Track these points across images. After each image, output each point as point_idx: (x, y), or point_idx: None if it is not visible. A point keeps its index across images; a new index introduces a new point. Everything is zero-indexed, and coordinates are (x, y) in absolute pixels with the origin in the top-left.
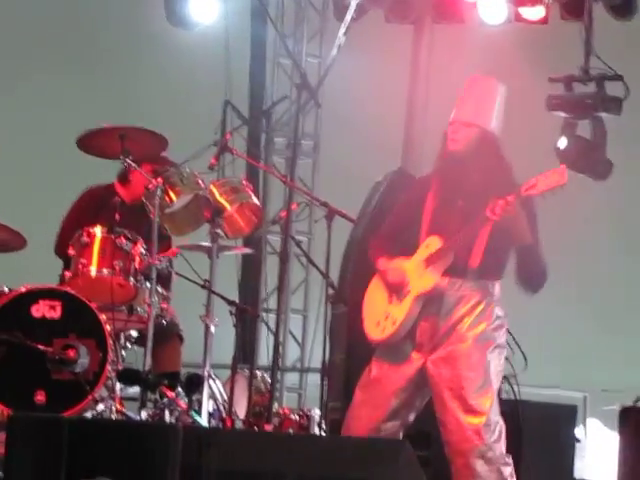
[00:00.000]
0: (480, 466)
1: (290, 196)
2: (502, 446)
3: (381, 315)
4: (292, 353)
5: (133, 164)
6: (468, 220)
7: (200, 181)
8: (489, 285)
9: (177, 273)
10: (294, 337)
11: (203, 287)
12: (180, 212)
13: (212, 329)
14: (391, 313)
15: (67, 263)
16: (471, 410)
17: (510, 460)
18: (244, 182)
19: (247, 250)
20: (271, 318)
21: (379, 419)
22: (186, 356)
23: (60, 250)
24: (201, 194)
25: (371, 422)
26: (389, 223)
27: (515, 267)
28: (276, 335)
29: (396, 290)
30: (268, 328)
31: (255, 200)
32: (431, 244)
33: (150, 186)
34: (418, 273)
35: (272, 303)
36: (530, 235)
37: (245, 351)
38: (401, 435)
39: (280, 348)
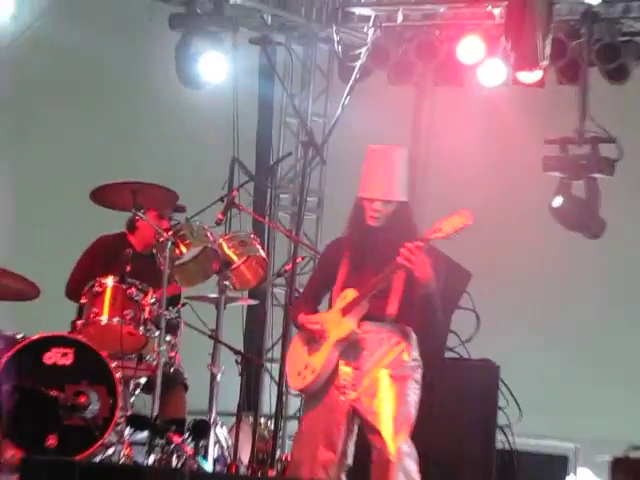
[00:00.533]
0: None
1: (295, 250)
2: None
3: (301, 366)
4: (294, 402)
5: (143, 216)
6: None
7: (209, 234)
8: (407, 329)
9: (185, 323)
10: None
11: (210, 337)
12: (189, 264)
13: (218, 377)
14: (310, 363)
15: (79, 310)
16: (395, 436)
17: None
18: (252, 235)
19: (253, 301)
20: (275, 368)
21: (321, 463)
22: (192, 403)
23: (70, 293)
24: (210, 247)
25: (313, 468)
26: (309, 283)
27: (412, 315)
28: (279, 384)
29: (316, 341)
30: (271, 377)
31: (262, 253)
32: (347, 295)
33: (161, 239)
34: (335, 322)
35: (276, 353)
36: (434, 284)
37: (249, 399)
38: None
39: (283, 397)
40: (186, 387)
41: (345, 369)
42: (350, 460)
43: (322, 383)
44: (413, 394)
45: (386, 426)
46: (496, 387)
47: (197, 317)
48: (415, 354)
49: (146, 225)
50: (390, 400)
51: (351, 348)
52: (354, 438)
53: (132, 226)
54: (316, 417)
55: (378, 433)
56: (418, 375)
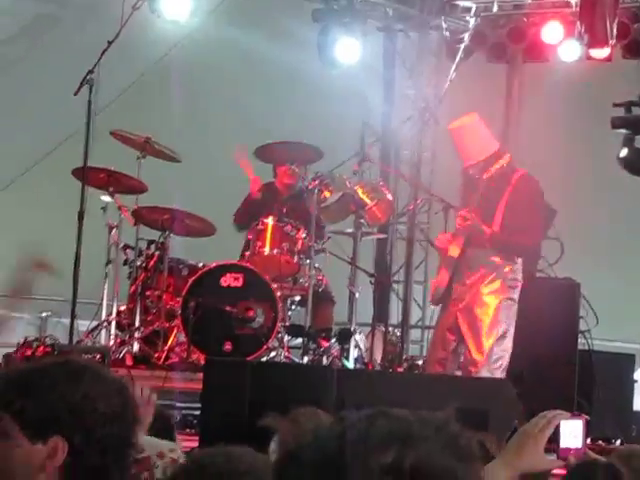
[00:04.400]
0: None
1: (415, 193)
2: (501, 374)
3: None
4: (416, 313)
5: (295, 168)
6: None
7: (347, 182)
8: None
9: (330, 252)
10: (416, 302)
11: (349, 263)
12: (332, 206)
13: (356, 295)
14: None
15: (246, 243)
16: (480, 347)
17: None
18: (381, 183)
19: (382, 235)
20: (399, 287)
21: (444, 351)
22: (337, 316)
23: (236, 220)
24: (348, 192)
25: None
26: None
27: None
28: (405, 300)
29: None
30: (397, 295)
31: (389, 197)
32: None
33: (310, 186)
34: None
35: (400, 276)
36: (490, 239)
37: (381, 312)
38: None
39: (407, 310)
40: (334, 302)
41: (455, 285)
42: (461, 358)
43: (440, 295)
44: (507, 310)
45: (473, 337)
46: (578, 300)
47: (339, 248)
48: (515, 275)
49: (281, 172)
50: (482, 314)
51: (460, 267)
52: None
53: (274, 173)
54: (440, 324)
55: (466, 343)
56: (515, 294)
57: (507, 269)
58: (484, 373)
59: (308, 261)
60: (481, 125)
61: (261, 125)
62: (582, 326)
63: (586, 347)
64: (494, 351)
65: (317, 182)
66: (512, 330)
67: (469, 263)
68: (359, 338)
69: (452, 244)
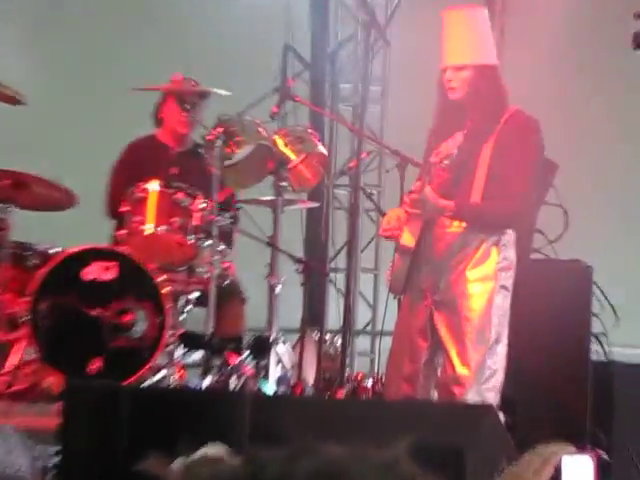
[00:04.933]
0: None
1: (359, 145)
2: (494, 398)
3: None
4: (363, 315)
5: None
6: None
7: (262, 130)
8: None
9: (240, 230)
10: (364, 298)
11: (267, 244)
12: (242, 164)
13: (277, 289)
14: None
15: (120, 220)
16: (465, 357)
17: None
18: (309, 131)
19: (313, 204)
20: (340, 278)
21: (412, 364)
22: (251, 319)
23: (112, 210)
24: (264, 144)
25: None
26: None
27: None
28: (346, 296)
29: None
30: (337, 289)
31: (322, 149)
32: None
33: (209, 136)
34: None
35: (341, 262)
36: (461, 211)
37: (313, 313)
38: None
39: (351, 310)
40: (244, 300)
41: (424, 268)
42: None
43: (399, 284)
44: (501, 303)
45: (456, 343)
46: (589, 291)
47: (252, 223)
48: (508, 254)
49: (171, 111)
50: (469, 310)
51: (428, 247)
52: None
53: (157, 119)
54: (405, 325)
55: (445, 350)
56: (508, 279)
57: (496, 244)
58: (473, 395)
59: (209, 242)
60: (487, 24)
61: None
62: (596, 327)
63: (602, 356)
64: (486, 363)
65: (220, 131)
66: (506, 333)
67: (447, 237)
68: (283, 350)
69: (403, 231)
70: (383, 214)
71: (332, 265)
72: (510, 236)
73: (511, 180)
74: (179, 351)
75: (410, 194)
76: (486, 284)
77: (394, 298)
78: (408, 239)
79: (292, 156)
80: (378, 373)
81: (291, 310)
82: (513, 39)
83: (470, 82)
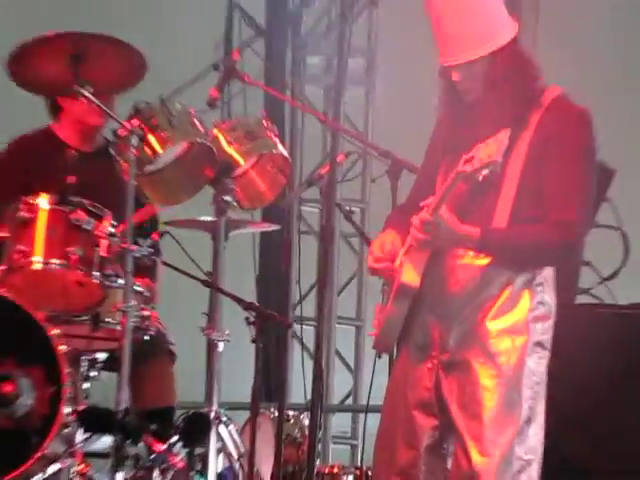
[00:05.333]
0: None
1: (334, 143)
2: None
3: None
4: (341, 384)
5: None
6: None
7: (198, 123)
8: None
9: (165, 263)
10: (343, 359)
11: (205, 284)
12: (168, 170)
13: (220, 347)
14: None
15: None
16: (484, 443)
17: None
18: (264, 123)
19: (270, 226)
20: (308, 331)
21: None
22: (182, 390)
23: None
24: (200, 142)
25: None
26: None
27: None
28: (316, 356)
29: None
30: (304, 346)
31: (282, 150)
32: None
33: (121, 131)
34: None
35: (309, 308)
36: (477, 242)
37: (270, 381)
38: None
39: (324, 376)
40: (172, 362)
41: (428, 317)
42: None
43: (391, 338)
44: (535, 367)
45: (473, 424)
46: None
47: (184, 253)
48: (545, 297)
49: (76, 103)
50: (489, 377)
51: (435, 286)
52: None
53: (55, 109)
54: (396, 397)
55: (458, 434)
56: (546, 333)
57: (528, 285)
58: None
59: (121, 281)
60: None
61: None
62: None
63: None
64: (514, 453)
65: (137, 124)
66: (543, 408)
67: (459, 274)
68: (227, 433)
69: (404, 264)
70: (368, 241)
71: (297, 312)
72: (548, 273)
73: (556, 196)
74: (80, 435)
75: (419, 213)
76: (515, 340)
77: (378, 358)
78: (410, 276)
79: (240, 159)
80: (362, 465)
81: (239, 377)
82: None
83: (486, 74)
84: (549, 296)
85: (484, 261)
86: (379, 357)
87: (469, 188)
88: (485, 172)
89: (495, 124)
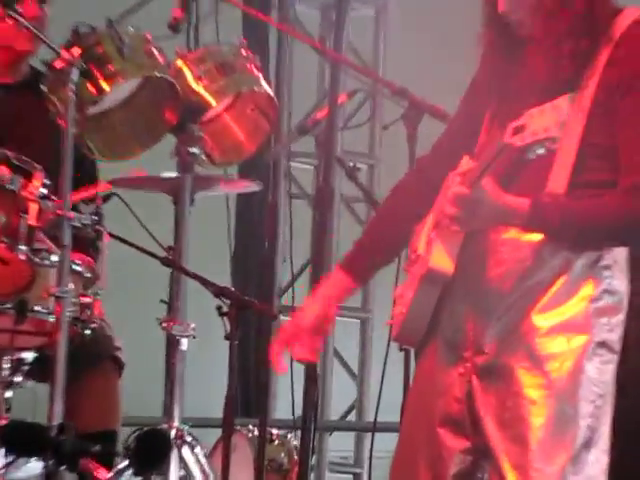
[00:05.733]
0: None
1: (333, 79)
2: None
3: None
4: (342, 393)
5: None
6: None
7: (156, 52)
8: None
9: (112, 235)
10: (344, 362)
11: (164, 262)
12: (118, 113)
13: (183, 345)
14: (404, 291)
15: None
16: (530, 474)
17: None
18: (243, 53)
19: (250, 187)
20: None
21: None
22: (135, 399)
23: None
24: (158, 77)
25: None
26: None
27: None
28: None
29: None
30: None
31: (265, 87)
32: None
33: (56, 63)
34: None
35: (301, 295)
36: (518, 217)
37: (250, 390)
38: None
39: (318, 384)
40: (118, 369)
41: (461, 307)
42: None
43: (417, 328)
44: (597, 375)
45: (512, 445)
46: None
47: (137, 222)
48: (613, 283)
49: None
50: (535, 385)
51: (470, 266)
52: None
53: None
54: (417, 408)
55: (495, 460)
56: (614, 331)
57: (591, 268)
58: None
59: (55, 258)
60: None
61: None
62: None
63: None
64: None
65: (78, 53)
66: (607, 428)
67: (498, 268)
68: (192, 456)
69: (434, 245)
70: (376, 205)
71: (285, 300)
72: (618, 253)
73: (632, 155)
74: (1, 458)
75: (452, 182)
76: (571, 339)
77: (400, 351)
78: (441, 259)
79: (210, 99)
80: None
81: (209, 385)
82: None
83: (538, 2)
84: (619, 283)
85: (535, 237)
86: (401, 350)
87: (516, 160)
88: (540, 151)
89: (552, 71)
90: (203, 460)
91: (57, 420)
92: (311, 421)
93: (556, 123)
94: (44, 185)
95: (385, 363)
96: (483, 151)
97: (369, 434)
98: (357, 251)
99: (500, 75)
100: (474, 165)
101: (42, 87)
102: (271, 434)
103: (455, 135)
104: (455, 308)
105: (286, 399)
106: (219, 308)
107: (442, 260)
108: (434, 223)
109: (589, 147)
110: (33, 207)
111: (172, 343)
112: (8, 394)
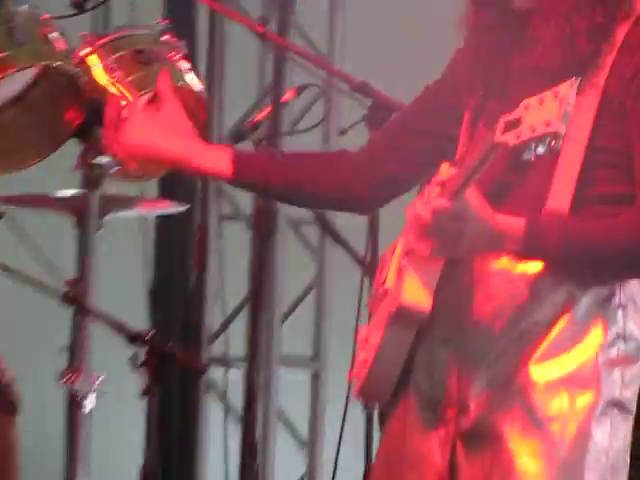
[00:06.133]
0: None
1: (277, 71)
2: None
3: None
4: (289, 464)
5: None
6: None
7: (56, 37)
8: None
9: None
10: (291, 425)
11: (65, 300)
12: (7, 113)
13: (88, 405)
14: (370, 334)
15: None
16: None
17: None
18: (169, 39)
19: (173, 207)
20: (235, 379)
21: None
22: (30, 471)
23: None
24: (58, 67)
25: None
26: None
27: None
28: (247, 421)
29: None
30: (227, 405)
31: (192, 81)
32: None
33: None
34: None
35: (236, 341)
36: (509, 243)
37: (172, 463)
38: None
39: (258, 453)
40: (12, 413)
41: (440, 355)
42: None
43: (386, 386)
44: (604, 440)
45: None
46: None
47: (33, 250)
48: (629, 326)
49: None
50: (531, 454)
51: (452, 303)
52: None
53: None
54: (384, 477)
55: None
56: (630, 387)
57: (600, 307)
58: None
59: None
60: None
61: None
62: None
63: None
64: None
65: None
66: None
67: (487, 305)
68: None
69: (405, 276)
70: (334, 233)
71: (216, 348)
72: (636, 290)
73: None
74: None
75: (425, 193)
76: (577, 396)
77: (365, 409)
78: (414, 294)
79: (127, 94)
80: None
81: (120, 455)
82: None
83: None
84: (635, 326)
85: (532, 266)
86: (365, 409)
87: (508, 165)
88: (541, 150)
89: (564, 52)
90: None
91: None
92: None
93: (560, 115)
94: None
95: (342, 427)
96: (466, 156)
97: None
98: (261, 157)
99: (489, 59)
100: (455, 172)
101: None
102: None
103: (410, 129)
104: (433, 355)
105: (218, 473)
106: (133, 358)
107: (416, 294)
108: (404, 249)
109: (599, 152)
110: None
111: (74, 402)
112: None
